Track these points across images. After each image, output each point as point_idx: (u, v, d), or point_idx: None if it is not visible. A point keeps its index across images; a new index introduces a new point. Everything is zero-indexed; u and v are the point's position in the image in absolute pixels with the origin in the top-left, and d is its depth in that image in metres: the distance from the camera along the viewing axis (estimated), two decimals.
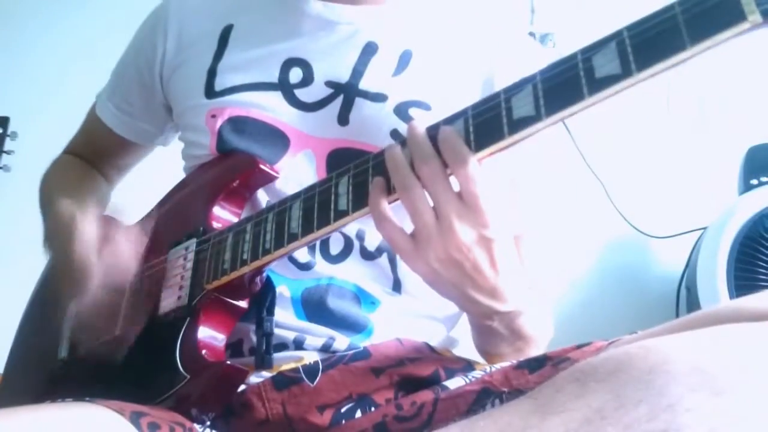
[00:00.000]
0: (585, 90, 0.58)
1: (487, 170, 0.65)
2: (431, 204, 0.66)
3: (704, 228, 1.96)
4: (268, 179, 0.86)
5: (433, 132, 0.67)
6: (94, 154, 1.14)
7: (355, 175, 0.71)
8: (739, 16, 0.51)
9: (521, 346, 0.81)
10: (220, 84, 0.91)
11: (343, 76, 0.88)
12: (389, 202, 0.68)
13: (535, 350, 0.82)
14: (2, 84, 2.32)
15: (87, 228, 0.81)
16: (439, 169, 0.65)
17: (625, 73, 0.56)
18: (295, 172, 0.86)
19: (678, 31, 0.54)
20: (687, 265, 2.05)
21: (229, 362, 0.74)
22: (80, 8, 2.41)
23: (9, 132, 2.00)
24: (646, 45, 0.56)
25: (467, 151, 0.64)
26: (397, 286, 0.87)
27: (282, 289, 0.83)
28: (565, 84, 0.60)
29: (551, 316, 0.93)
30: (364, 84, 0.88)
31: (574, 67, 0.59)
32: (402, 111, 0.86)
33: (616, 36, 0.58)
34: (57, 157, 1.15)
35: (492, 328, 0.77)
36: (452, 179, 0.66)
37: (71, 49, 2.36)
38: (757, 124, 2.16)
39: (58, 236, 0.89)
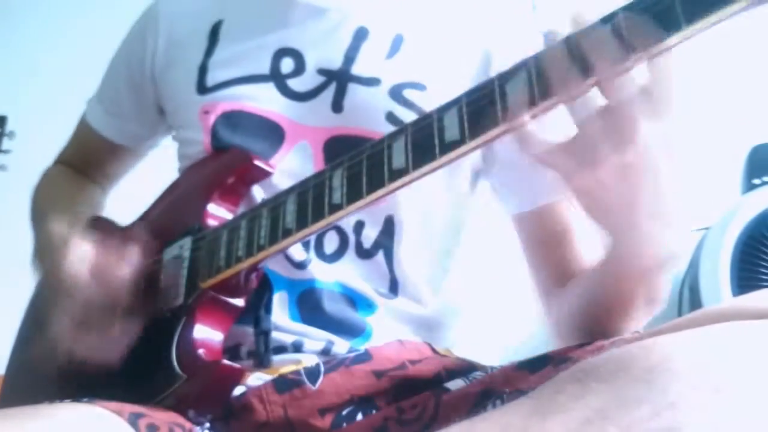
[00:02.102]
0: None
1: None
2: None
3: (707, 228, 1.96)
4: (263, 175, 0.85)
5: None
6: (85, 162, 1.12)
7: (350, 167, 0.70)
8: None
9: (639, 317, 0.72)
10: (211, 79, 0.90)
11: (335, 62, 0.88)
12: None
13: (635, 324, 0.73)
14: (0, 83, 2.33)
15: (76, 242, 0.80)
16: (620, 54, 0.55)
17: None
18: (292, 164, 0.86)
19: (673, 11, 0.53)
20: (689, 265, 2.05)
21: (225, 361, 0.74)
22: (78, 7, 2.41)
23: (6, 131, 2.01)
24: (640, 27, 0.55)
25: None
26: (394, 286, 0.86)
27: (278, 291, 0.83)
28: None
29: None
30: (356, 69, 0.87)
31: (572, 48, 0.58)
32: (397, 93, 0.86)
33: (611, 18, 0.57)
34: (47, 168, 1.14)
35: (630, 290, 0.68)
36: None
37: (69, 48, 2.37)
38: (760, 124, 2.16)
39: (47, 252, 0.88)
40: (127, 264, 0.80)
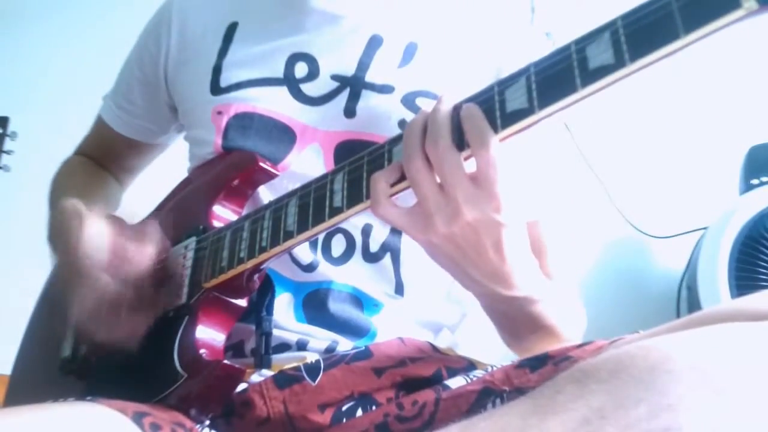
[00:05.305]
0: (578, 81, 0.57)
1: (507, 152, 0.63)
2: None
3: (705, 228, 1.96)
4: (268, 177, 0.85)
5: (457, 111, 0.64)
6: (103, 155, 1.15)
7: (351, 172, 0.71)
8: (733, 3, 0.50)
9: (544, 336, 0.79)
10: (225, 80, 0.91)
11: (349, 69, 0.88)
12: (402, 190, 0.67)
13: (564, 342, 0.79)
14: (2, 84, 2.33)
15: (92, 223, 0.80)
16: (448, 148, 0.63)
17: (619, 63, 0.55)
18: (302, 167, 0.86)
19: (672, 20, 0.52)
20: (688, 265, 2.05)
21: (226, 361, 0.74)
22: (80, 9, 2.41)
23: (9, 132, 2.00)
24: (639, 34, 0.54)
25: (490, 130, 0.62)
26: (399, 289, 0.87)
27: (283, 293, 0.83)
28: (559, 75, 0.58)
29: (581, 306, 0.90)
30: (370, 76, 0.88)
31: (568, 58, 0.58)
32: (409, 101, 0.86)
33: (610, 26, 0.56)
34: (67, 157, 1.16)
35: (504, 313, 0.76)
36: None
37: (71, 49, 2.37)
38: (758, 124, 2.16)
39: (61, 232, 0.88)
40: (141, 254, 0.79)
